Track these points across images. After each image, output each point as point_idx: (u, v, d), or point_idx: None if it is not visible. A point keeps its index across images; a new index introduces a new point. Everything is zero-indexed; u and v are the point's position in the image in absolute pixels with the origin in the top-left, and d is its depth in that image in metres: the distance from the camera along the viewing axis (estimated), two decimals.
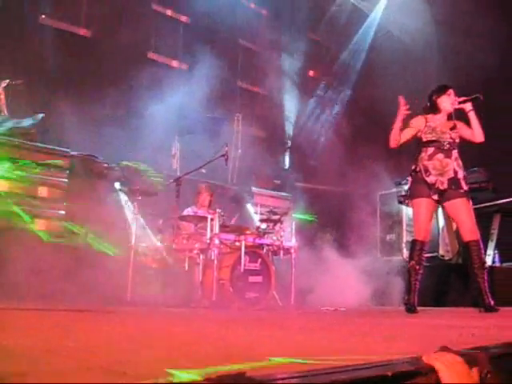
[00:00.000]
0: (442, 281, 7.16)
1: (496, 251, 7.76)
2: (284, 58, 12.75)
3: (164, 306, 5.94)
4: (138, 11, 10.34)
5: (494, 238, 7.73)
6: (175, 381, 1.13)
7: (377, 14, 12.96)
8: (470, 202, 5.11)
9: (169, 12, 11.27)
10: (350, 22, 13.27)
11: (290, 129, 12.11)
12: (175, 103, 9.41)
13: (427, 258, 6.92)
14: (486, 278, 4.93)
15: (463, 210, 5.04)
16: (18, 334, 2.23)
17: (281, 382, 1.15)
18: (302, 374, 1.22)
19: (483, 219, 7.60)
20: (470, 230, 5.02)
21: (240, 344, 2.16)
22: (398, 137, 5.21)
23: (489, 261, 7.60)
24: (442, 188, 5.03)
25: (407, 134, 5.28)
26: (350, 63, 13.23)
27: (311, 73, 13.64)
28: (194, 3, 10.93)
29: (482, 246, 5.03)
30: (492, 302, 4.86)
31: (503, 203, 7.64)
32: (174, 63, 10.90)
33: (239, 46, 12.51)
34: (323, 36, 13.62)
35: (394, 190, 8.63)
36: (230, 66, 11.66)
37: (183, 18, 11.29)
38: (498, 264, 7.78)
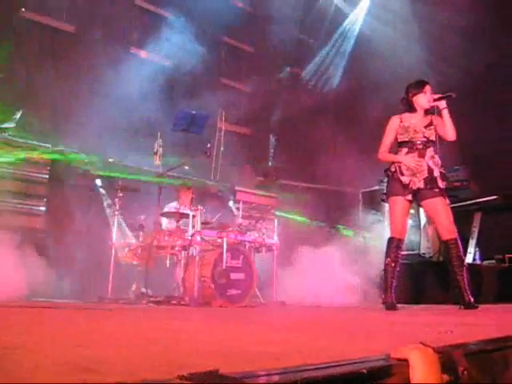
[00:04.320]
0: (422, 278, 7.19)
1: (477, 249, 7.81)
2: (268, 56, 12.74)
3: (145, 303, 5.89)
4: (121, 6, 10.26)
5: (475, 235, 7.78)
6: (147, 379, 1.11)
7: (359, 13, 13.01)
8: (447, 200, 5.14)
9: (152, 7, 11.21)
10: (335, 20, 13.31)
11: (274, 126, 12.10)
12: (158, 99, 9.36)
13: (408, 255, 6.98)
14: (465, 275, 4.97)
15: (440, 209, 5.07)
16: None
17: (254, 379, 1.14)
18: (276, 372, 1.21)
19: (464, 217, 7.66)
20: (447, 229, 5.05)
21: (216, 341, 2.14)
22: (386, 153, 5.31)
23: (469, 259, 7.66)
24: (415, 188, 5.07)
25: (388, 142, 5.32)
26: (335, 61, 13.25)
27: (295, 70, 13.65)
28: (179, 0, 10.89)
29: (460, 243, 5.06)
30: (471, 300, 4.90)
31: (484, 201, 7.69)
32: (157, 58, 10.83)
33: (223, 42, 12.49)
34: (308, 34, 13.64)
35: (377, 187, 8.64)
36: (214, 62, 11.63)
37: (166, 14, 11.23)
38: (478, 262, 7.83)
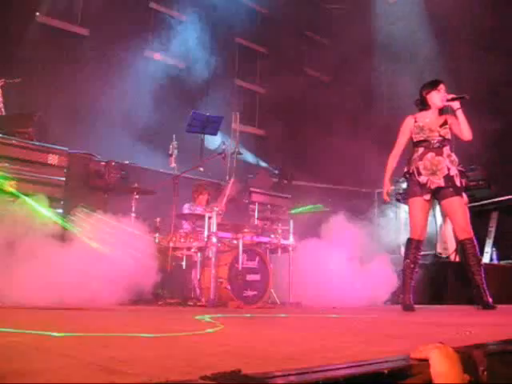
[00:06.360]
0: (439, 278, 7.15)
1: (493, 249, 7.76)
2: (283, 56, 12.74)
3: (161, 304, 5.92)
4: (135, 9, 10.32)
5: (492, 235, 7.73)
6: (171, 380, 1.13)
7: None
8: (465, 199, 5.13)
9: (166, 10, 11.26)
10: (349, 21, 13.26)
11: (288, 127, 12.09)
12: (173, 101, 9.40)
13: (425, 255, 6.95)
14: (483, 275, 4.95)
15: (457, 209, 5.07)
16: (9, 332, 2.21)
17: (276, 379, 1.15)
18: (297, 372, 1.22)
19: (481, 217, 7.62)
20: (463, 229, 5.05)
21: (235, 342, 2.16)
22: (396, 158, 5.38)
23: (486, 258, 7.61)
24: (433, 187, 5.06)
25: (403, 141, 5.37)
26: (351, 61, 13.20)
27: (310, 70, 13.65)
28: (192, 1, 10.93)
29: (476, 243, 5.05)
30: (490, 300, 4.87)
31: (501, 201, 7.64)
32: (171, 61, 10.88)
33: (237, 44, 12.52)
34: (323, 34, 13.63)
35: (392, 187, 8.59)
36: (228, 64, 11.66)
37: (180, 16, 11.28)
38: (495, 262, 7.78)
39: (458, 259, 7.37)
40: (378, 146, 9.79)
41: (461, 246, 5.20)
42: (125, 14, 9.81)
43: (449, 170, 5.05)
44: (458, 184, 5.04)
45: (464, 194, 5.17)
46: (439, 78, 5.46)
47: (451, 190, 5.04)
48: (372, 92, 12.37)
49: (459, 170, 5.09)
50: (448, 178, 5.03)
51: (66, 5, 9.55)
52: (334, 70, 13.04)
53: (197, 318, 3.34)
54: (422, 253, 6.24)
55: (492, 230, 7.76)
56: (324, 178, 11.25)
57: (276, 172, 10.66)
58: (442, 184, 5.04)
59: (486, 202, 7.63)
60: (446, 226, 7.59)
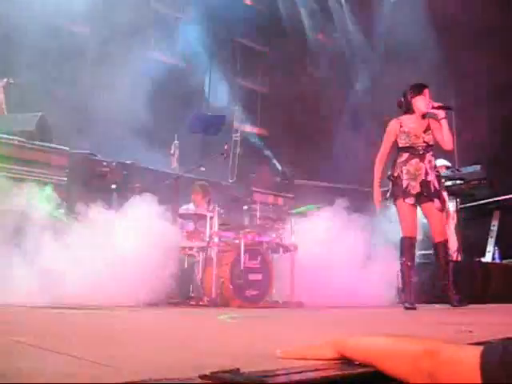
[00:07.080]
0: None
1: (496, 248, 7.75)
2: (284, 55, 12.73)
3: (164, 303, 5.92)
4: (136, 8, 10.31)
5: (494, 234, 7.72)
6: (170, 378, 1.13)
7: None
8: (436, 204, 5.21)
9: (166, 9, 11.26)
10: (350, 19, 13.25)
11: (289, 126, 12.08)
12: (174, 101, 9.40)
13: (428, 255, 6.94)
14: (450, 275, 5.17)
15: (433, 213, 5.23)
16: (13, 332, 2.22)
17: (275, 378, 1.15)
18: (297, 370, 1.22)
19: (483, 216, 7.61)
20: (438, 232, 5.24)
21: (234, 342, 2.16)
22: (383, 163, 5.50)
23: (489, 257, 7.61)
24: (413, 192, 5.16)
25: (388, 146, 5.46)
26: (352, 61, 13.19)
27: (312, 70, 13.63)
28: (192, 0, 10.93)
29: (448, 245, 5.31)
30: (458, 297, 5.05)
31: (503, 200, 7.63)
32: (172, 60, 10.89)
33: (238, 43, 12.51)
34: (324, 33, 13.62)
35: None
36: (230, 63, 11.66)
37: (181, 15, 11.28)
38: (497, 260, 7.78)
39: (459, 258, 7.37)
40: (380, 144, 9.79)
41: (434, 247, 5.35)
42: (125, 13, 9.80)
43: (426, 175, 5.18)
44: (432, 189, 5.15)
45: (437, 200, 5.23)
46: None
47: (428, 194, 5.18)
48: (373, 90, 12.35)
49: (436, 175, 5.20)
50: (424, 183, 5.17)
51: (66, 3, 9.53)
52: (335, 68, 13.02)
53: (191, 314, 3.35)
54: (425, 252, 6.30)
55: (494, 228, 7.75)
56: (326, 177, 11.25)
57: (279, 169, 10.69)
58: (418, 190, 5.17)
59: (488, 200, 7.62)
60: (447, 226, 7.57)
